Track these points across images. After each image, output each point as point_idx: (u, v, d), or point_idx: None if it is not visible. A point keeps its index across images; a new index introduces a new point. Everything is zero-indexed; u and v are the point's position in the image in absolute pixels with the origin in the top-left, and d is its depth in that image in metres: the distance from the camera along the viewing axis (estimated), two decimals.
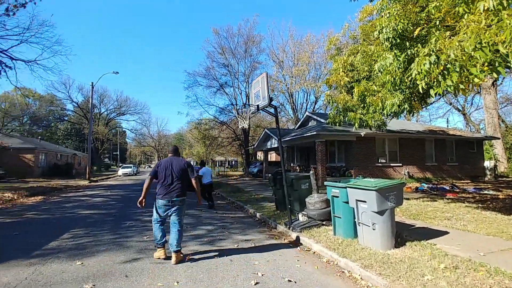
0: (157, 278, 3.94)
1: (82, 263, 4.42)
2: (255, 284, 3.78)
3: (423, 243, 5.04)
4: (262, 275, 4.12)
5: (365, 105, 7.89)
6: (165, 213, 4.79)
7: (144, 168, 75.23)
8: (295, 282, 3.88)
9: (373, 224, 4.81)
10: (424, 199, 10.41)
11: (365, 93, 7.72)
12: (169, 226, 4.82)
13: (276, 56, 30.95)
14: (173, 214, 4.79)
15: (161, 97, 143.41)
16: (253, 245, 5.69)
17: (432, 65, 4.38)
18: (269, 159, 30.24)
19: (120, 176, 33.30)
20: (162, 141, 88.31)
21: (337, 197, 5.64)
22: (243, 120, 6.53)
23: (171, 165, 4.88)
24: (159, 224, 4.82)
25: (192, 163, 46.41)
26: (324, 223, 6.60)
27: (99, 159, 51.37)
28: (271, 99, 6.37)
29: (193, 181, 4.99)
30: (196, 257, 4.86)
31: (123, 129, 70.01)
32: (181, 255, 4.68)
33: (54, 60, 73.82)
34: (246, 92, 30.67)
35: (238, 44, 29.83)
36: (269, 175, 9.64)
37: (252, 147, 28.69)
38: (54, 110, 55.28)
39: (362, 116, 8.23)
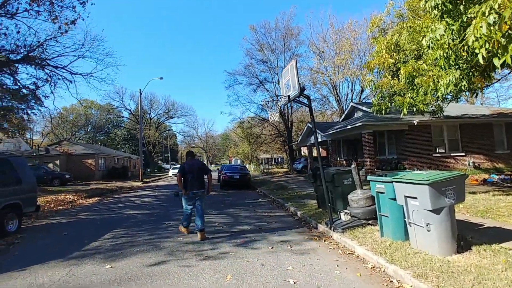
0: (181, 283, 3.72)
1: (111, 266, 4.40)
2: None
3: (494, 248, 4.13)
4: (295, 282, 3.68)
5: (414, 87, 6.92)
6: (192, 202, 6.15)
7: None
8: None
9: (427, 225, 4.05)
10: (494, 193, 8.93)
11: (414, 73, 6.74)
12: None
13: (316, 47, 29.75)
14: (197, 202, 6.16)
15: (205, 99, 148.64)
16: (289, 247, 5.25)
17: (492, 26, 3.50)
18: (314, 154, 29.29)
19: (170, 176, 34.95)
20: (210, 141, 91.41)
21: (383, 193, 4.93)
22: (273, 113, 6.09)
23: (193, 166, 6.22)
24: (188, 213, 6.26)
25: (235, 162, 46.87)
26: (370, 222, 5.89)
27: (152, 161, 54.77)
28: (303, 88, 5.84)
29: (208, 176, 6.42)
30: (226, 260, 4.58)
31: (173, 132, 73.79)
32: (205, 234, 5.95)
33: (106, 71, 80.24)
34: None
35: (276, 38, 29.33)
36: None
37: (296, 142, 27.99)
38: (111, 118, 60.17)
39: (411, 100, 7.24)
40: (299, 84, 5.74)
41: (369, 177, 5.33)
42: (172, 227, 7.07)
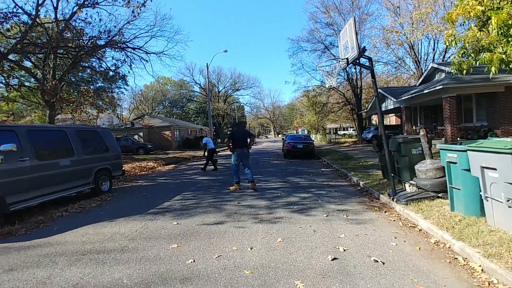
0: (235, 241, 4.01)
1: (177, 223, 4.97)
2: (332, 260, 3.35)
3: None
4: (344, 250, 3.63)
5: (510, 39, 5.69)
6: (239, 160, 7.93)
7: (262, 138, 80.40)
8: (383, 263, 3.23)
9: (508, 200, 3.49)
10: None
11: (510, 22, 5.52)
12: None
13: (390, 2, 26.27)
14: (244, 159, 7.97)
15: (271, 69, 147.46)
16: (345, 216, 5.14)
17: None
18: (387, 123, 27.08)
19: None
20: (277, 112, 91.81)
21: (454, 163, 4.36)
22: (330, 78, 5.74)
23: (239, 132, 8.11)
24: (236, 169, 7.97)
25: (302, 132, 46.24)
26: (440, 195, 5.34)
27: (221, 132, 57.81)
28: (362, 50, 5.34)
29: (251, 138, 8.62)
30: (279, 224, 4.73)
31: (241, 104, 76.00)
32: (255, 185, 7.77)
33: (176, 48, 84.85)
34: None
35: None
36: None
37: (365, 110, 26.17)
38: (184, 93, 64.64)
39: (503, 56, 6.00)
40: (358, 45, 5.25)
41: (439, 145, 4.75)
42: (233, 192, 7.52)
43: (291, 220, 4.96)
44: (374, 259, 3.33)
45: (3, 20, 11.66)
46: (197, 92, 63.78)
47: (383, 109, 21.76)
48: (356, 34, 5.25)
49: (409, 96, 16.62)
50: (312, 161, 15.35)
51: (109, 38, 16.85)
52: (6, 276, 3.24)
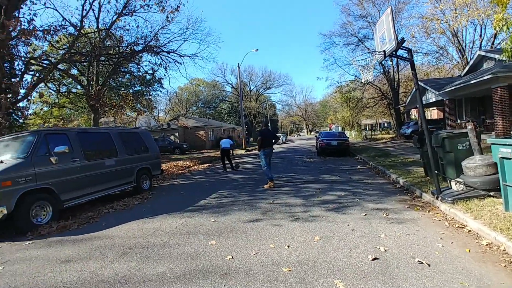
0: (271, 239, 4.03)
1: (215, 220, 5.10)
2: (372, 260, 3.24)
3: None
4: (386, 250, 3.49)
5: None
6: (268, 158, 8.26)
7: (294, 136, 79.71)
8: (428, 265, 3.07)
9: None
10: None
11: None
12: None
13: None
14: (270, 158, 8.36)
15: (302, 66, 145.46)
16: (385, 215, 4.94)
17: None
18: (429, 117, 25.56)
19: None
20: (309, 109, 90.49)
21: (509, 159, 4.01)
22: (366, 72, 5.54)
23: (269, 132, 8.64)
24: (267, 167, 8.23)
25: (335, 129, 45.22)
26: (492, 194, 4.94)
27: (253, 131, 58.21)
28: (401, 41, 5.07)
29: (275, 139, 8.62)
30: (315, 223, 4.67)
31: (272, 102, 75.99)
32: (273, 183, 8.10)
33: (208, 50, 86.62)
34: None
35: None
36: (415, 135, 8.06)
37: (404, 104, 24.89)
38: (217, 93, 65.97)
39: None
40: (396, 36, 5.00)
41: (490, 140, 4.40)
42: (268, 191, 7.55)
43: (328, 219, 4.88)
44: (418, 261, 3.17)
45: (53, 32, 12.71)
46: (228, 92, 64.81)
47: (423, 102, 20.55)
48: (394, 24, 5.01)
49: (454, 87, 15.54)
50: (347, 159, 14.93)
51: (146, 44, 17.70)
52: (64, 266, 3.55)
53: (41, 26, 12.62)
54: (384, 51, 5.45)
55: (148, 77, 22.96)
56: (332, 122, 55.07)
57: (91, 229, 5.15)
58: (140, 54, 19.01)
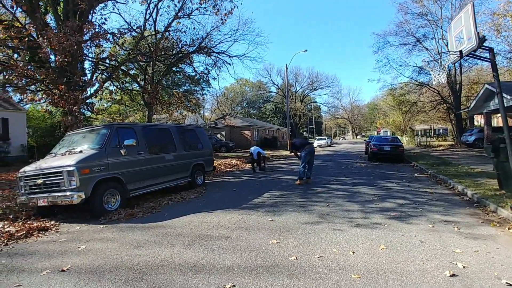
0: (333, 243, 3.93)
1: (272, 219, 5.13)
2: (450, 276, 2.99)
3: None
4: (464, 267, 3.20)
5: None
6: (308, 157, 8.91)
7: (339, 140, 77.30)
8: None
9: None
10: None
11: None
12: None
13: None
14: (312, 158, 9.09)
15: (350, 67, 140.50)
16: (456, 229, 4.55)
17: None
18: (495, 124, 23.11)
19: (315, 147, 36.01)
20: (355, 112, 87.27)
21: None
22: (438, 74, 5.15)
23: (302, 139, 10.19)
24: (304, 165, 8.89)
25: (384, 133, 42.87)
26: None
27: (297, 133, 57.68)
28: (482, 39, 4.64)
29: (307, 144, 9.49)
30: (378, 230, 4.46)
31: (317, 104, 74.63)
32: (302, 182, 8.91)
33: (256, 51, 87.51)
34: None
35: None
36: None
37: (467, 109, 22.76)
38: (261, 94, 66.55)
39: None
40: (477, 34, 4.58)
41: None
42: (321, 194, 7.40)
43: (391, 227, 4.63)
44: (506, 282, 2.86)
45: (119, 35, 13.84)
46: (273, 92, 64.99)
47: (491, 107, 18.61)
48: (475, 22, 4.59)
49: None
50: (401, 166, 14.08)
51: (199, 44, 18.47)
52: (137, 251, 3.83)
53: (109, 29, 13.83)
54: (461, 51, 5.04)
55: (198, 76, 23.90)
56: (382, 126, 52.32)
57: (155, 218, 5.49)
58: (193, 55, 19.90)
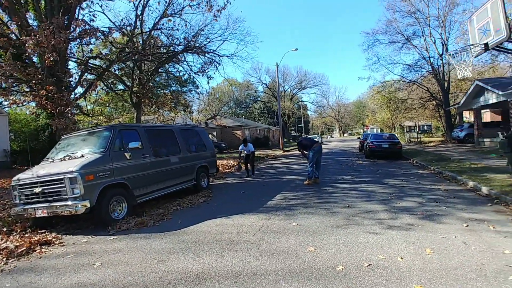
0: (375, 249, 3.65)
1: (297, 224, 4.81)
2: None
3: None
4: None
5: None
6: (316, 156, 8.75)
7: (327, 138, 77.80)
8: None
9: None
10: None
11: None
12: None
13: None
14: (319, 157, 8.93)
15: (336, 66, 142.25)
16: (491, 227, 4.37)
17: None
18: (484, 120, 23.64)
19: None
20: (342, 110, 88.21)
21: None
22: (462, 68, 4.98)
23: (308, 139, 9.97)
24: (312, 165, 8.66)
25: (371, 130, 43.48)
26: None
27: (287, 132, 57.74)
28: None
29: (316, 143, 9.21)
30: (414, 232, 4.22)
31: (305, 103, 74.98)
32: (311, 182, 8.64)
33: (246, 50, 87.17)
34: (442, 39, 24.88)
35: None
36: (501, 138, 7.28)
37: (457, 105, 23.20)
38: (249, 93, 66.19)
39: None
40: (508, 24, 4.42)
41: None
42: (335, 194, 7.16)
43: (425, 228, 4.40)
44: None
45: (108, 33, 13.16)
46: (261, 92, 64.75)
47: (481, 103, 19.00)
48: (505, 11, 4.43)
49: None
50: (400, 162, 14.06)
51: (187, 44, 17.90)
52: (163, 266, 3.42)
53: (97, 27, 13.15)
54: (487, 43, 4.88)
55: (185, 76, 23.24)
56: (371, 123, 53.01)
57: (170, 226, 5.08)
58: (183, 54, 19.29)
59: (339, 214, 5.28)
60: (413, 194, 6.87)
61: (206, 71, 16.91)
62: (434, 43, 25.55)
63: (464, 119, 28.60)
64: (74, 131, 11.69)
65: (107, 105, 28.92)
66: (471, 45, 5.00)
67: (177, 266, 3.39)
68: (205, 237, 4.37)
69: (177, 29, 16.60)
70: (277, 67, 29.41)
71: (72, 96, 11.61)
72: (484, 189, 6.84)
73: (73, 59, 13.49)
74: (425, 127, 57.62)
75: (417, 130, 51.56)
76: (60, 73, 9.67)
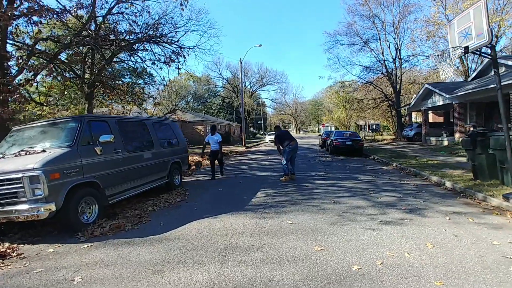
0: (380, 245, 3.64)
1: (292, 222, 4.65)
2: None
3: None
4: None
5: None
6: (291, 154, 8.72)
7: None
8: None
9: None
10: None
11: None
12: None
13: None
14: (294, 154, 8.89)
15: (294, 65, 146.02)
16: (470, 219, 4.66)
17: None
18: (430, 120, 25.89)
19: (267, 142, 36.36)
20: (298, 108, 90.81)
21: None
22: (445, 67, 5.24)
23: (288, 133, 9.45)
24: (287, 162, 8.58)
25: (325, 128, 45.46)
26: None
27: (246, 128, 57.74)
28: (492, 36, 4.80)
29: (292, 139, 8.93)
30: (408, 227, 4.32)
31: (262, 100, 75.70)
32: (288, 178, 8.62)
33: (209, 43, 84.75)
34: (395, 44, 26.71)
35: None
36: (465, 137, 7.87)
37: (408, 106, 25.14)
38: (209, 88, 64.84)
39: None
40: (490, 30, 4.72)
41: None
42: (315, 190, 7.17)
43: (415, 222, 4.55)
44: None
45: (60, 13, 11.70)
46: (220, 87, 63.81)
47: (429, 105, 20.80)
48: (488, 17, 4.72)
49: (465, 92, 15.69)
50: (362, 159, 14.78)
51: (152, 32, 16.78)
52: (161, 278, 3.01)
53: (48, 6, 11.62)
54: (467, 46, 5.18)
55: (141, 68, 21.86)
56: (327, 120, 55.31)
57: (152, 230, 4.59)
58: (146, 43, 18.02)
59: (329, 211, 5.25)
60: (388, 189, 7.16)
61: (174, 61, 15.86)
62: (389, 47, 27.38)
63: (413, 119, 31.16)
64: (21, 122, 10.24)
65: (50, 94, 26.06)
66: (456, 47, 5.26)
67: (178, 276, 3.01)
68: (197, 241, 4.00)
69: (141, 15, 15.31)
70: (241, 63, 29.14)
71: (15, 81, 10.13)
72: (448, 184, 7.38)
73: (13, 41, 11.79)
74: (374, 126, 61.84)
75: (367, 129, 55.14)
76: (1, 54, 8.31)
